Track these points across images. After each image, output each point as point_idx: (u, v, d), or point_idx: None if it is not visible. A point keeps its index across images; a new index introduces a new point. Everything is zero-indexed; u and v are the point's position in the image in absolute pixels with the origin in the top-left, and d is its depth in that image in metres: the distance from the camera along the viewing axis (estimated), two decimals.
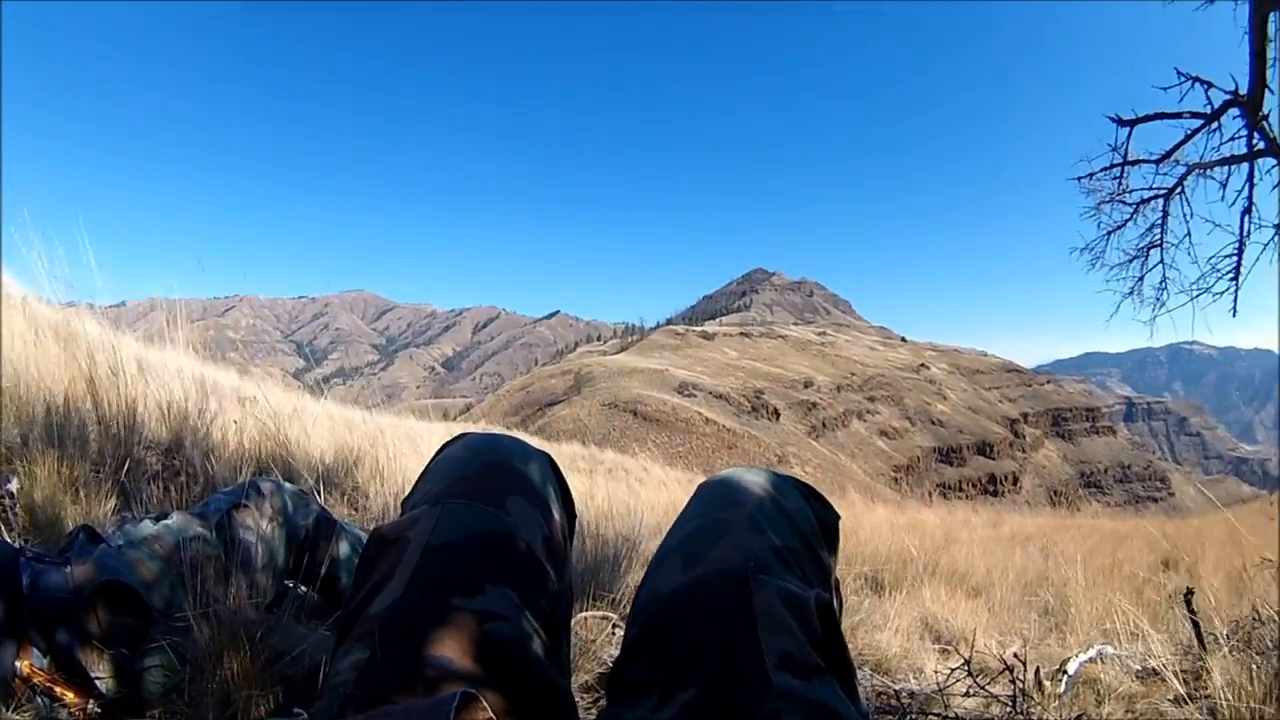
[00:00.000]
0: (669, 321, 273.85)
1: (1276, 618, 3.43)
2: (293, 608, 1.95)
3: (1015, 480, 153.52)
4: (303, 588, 2.13)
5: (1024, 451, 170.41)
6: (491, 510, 1.24)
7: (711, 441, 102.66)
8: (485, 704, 0.92)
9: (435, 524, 1.20)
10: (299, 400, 7.08)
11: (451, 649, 1.06)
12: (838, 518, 1.40)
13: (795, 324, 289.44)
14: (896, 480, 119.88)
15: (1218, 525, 8.65)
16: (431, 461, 1.40)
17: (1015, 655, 3.19)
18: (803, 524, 1.29)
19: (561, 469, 1.48)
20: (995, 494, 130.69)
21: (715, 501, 1.31)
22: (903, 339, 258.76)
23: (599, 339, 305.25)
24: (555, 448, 17.87)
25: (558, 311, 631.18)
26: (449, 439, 1.44)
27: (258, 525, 1.96)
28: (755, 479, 1.34)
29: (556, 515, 1.34)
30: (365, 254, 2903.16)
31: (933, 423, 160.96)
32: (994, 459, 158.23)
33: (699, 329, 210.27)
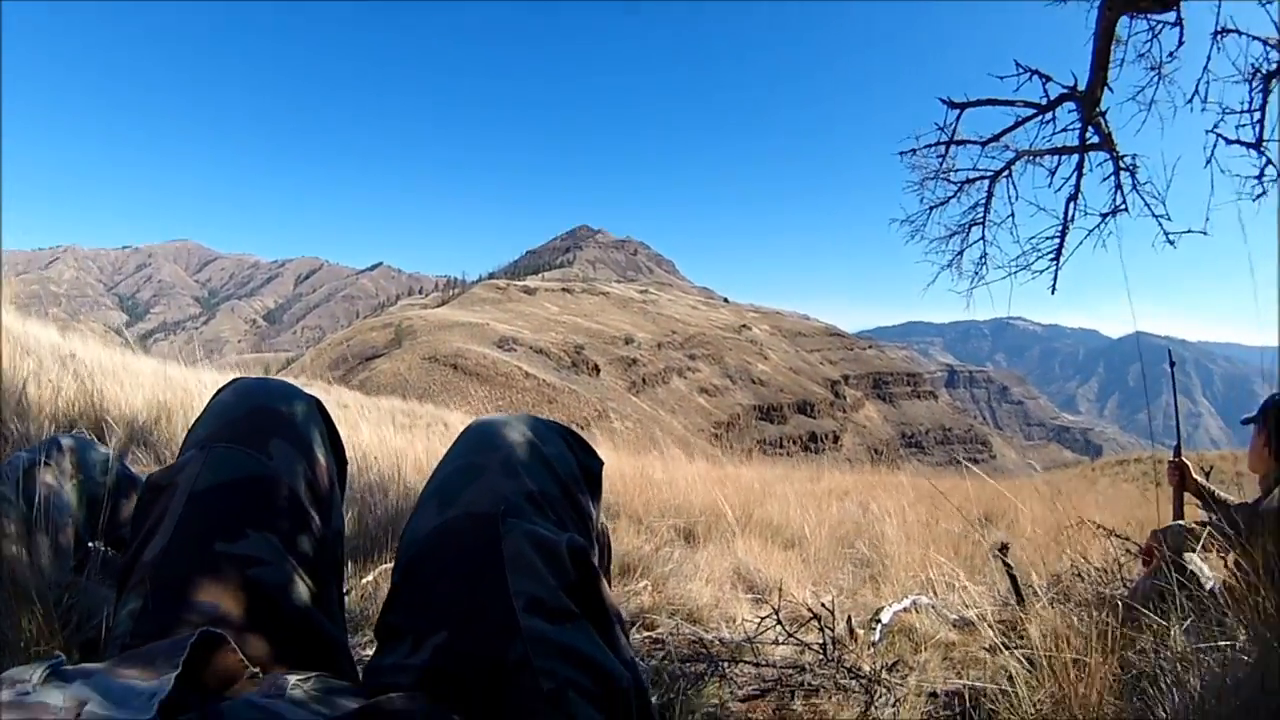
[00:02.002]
0: (491, 275, 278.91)
1: (1093, 573, 3.57)
2: (96, 568, 1.97)
3: (836, 439, 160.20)
4: (108, 548, 2.10)
5: (844, 411, 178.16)
6: (254, 453, 1.26)
7: (532, 396, 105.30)
8: (234, 645, 0.98)
9: (201, 469, 1.22)
10: (119, 357, 7.17)
11: (216, 595, 1.11)
12: (600, 464, 1.46)
13: (618, 282, 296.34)
14: (717, 437, 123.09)
15: (1040, 486, 9.09)
16: (205, 407, 1.41)
17: (824, 605, 3.26)
18: (561, 469, 1.33)
19: (331, 414, 1.51)
20: (816, 451, 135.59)
21: (473, 445, 1.35)
22: (725, 300, 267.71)
23: (421, 292, 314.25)
24: (375, 402, 17.94)
25: (381, 263, 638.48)
26: (223, 384, 1.47)
27: (58, 482, 1.96)
28: (515, 424, 1.38)
29: (321, 459, 1.37)
30: (188, 200, 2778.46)
31: (754, 381, 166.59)
32: (815, 418, 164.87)
33: (521, 284, 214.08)
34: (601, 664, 1.08)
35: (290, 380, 1.65)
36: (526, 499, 1.22)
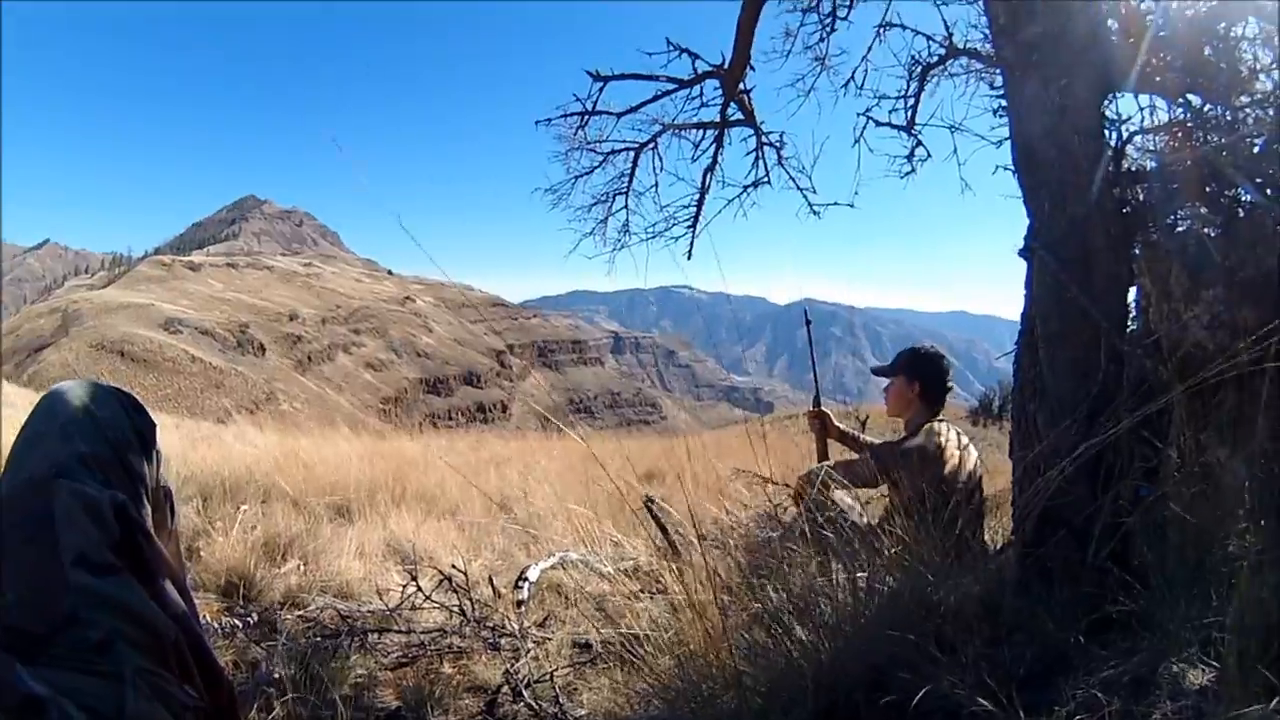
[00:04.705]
0: (157, 251, 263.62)
1: (747, 519, 3.80)
2: None
3: (505, 408, 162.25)
4: None
5: (511, 381, 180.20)
6: None
7: (199, 381, 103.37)
8: None
9: None
10: None
11: None
12: (153, 425, 1.61)
13: (283, 254, 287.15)
14: (386, 412, 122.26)
15: (708, 443, 9.50)
16: None
17: (455, 567, 3.37)
18: (113, 432, 1.47)
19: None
20: (486, 421, 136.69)
21: (39, 414, 1.47)
22: (389, 272, 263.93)
23: (88, 271, 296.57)
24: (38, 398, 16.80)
25: (48, 240, 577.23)
26: None
27: None
28: (76, 390, 1.52)
29: None
30: None
31: (419, 355, 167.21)
32: (482, 388, 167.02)
33: (186, 259, 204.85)
34: (143, 615, 1.21)
35: None
36: (79, 461, 1.35)
